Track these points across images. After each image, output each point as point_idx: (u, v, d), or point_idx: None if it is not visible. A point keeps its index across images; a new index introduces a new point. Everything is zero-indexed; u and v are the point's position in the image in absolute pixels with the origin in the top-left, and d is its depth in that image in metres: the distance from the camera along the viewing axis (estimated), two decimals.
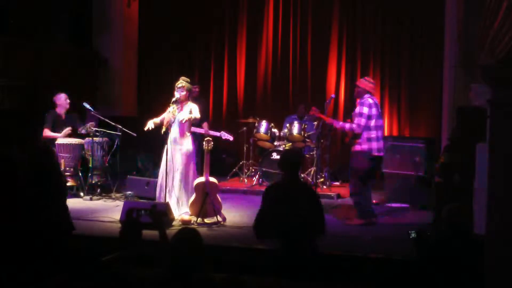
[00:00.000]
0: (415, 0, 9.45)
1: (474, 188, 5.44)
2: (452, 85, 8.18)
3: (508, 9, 4.27)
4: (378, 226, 6.16)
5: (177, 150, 6.32)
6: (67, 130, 7.60)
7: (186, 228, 4.36)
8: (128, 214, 4.00)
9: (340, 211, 6.99)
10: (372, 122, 6.12)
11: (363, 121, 6.10)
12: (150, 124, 6.41)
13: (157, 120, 6.48)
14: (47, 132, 7.59)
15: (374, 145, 6.14)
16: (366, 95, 6.20)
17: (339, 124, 6.44)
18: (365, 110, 6.10)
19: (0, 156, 4.18)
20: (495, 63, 4.01)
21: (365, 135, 6.12)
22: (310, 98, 9.99)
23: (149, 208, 4.29)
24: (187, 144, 6.39)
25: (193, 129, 6.83)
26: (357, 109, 6.19)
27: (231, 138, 7.10)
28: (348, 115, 9.15)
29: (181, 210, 6.30)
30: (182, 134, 6.35)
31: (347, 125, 6.23)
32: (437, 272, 3.64)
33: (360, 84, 6.35)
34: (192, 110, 6.36)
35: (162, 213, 5.37)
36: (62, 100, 7.71)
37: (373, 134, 6.13)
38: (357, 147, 6.17)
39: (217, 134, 7.81)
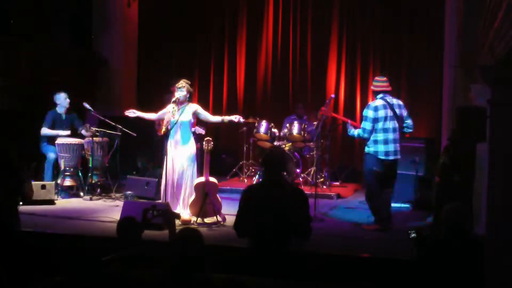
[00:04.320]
0: (415, 0, 9.46)
1: (474, 188, 5.44)
2: (452, 85, 8.17)
3: (508, 9, 4.27)
4: None
5: (180, 151, 6.28)
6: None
7: (188, 228, 4.35)
8: (144, 214, 3.99)
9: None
10: (379, 125, 5.91)
11: (368, 125, 5.92)
12: (133, 113, 6.42)
13: (150, 116, 6.49)
14: (45, 130, 7.60)
15: (381, 148, 5.91)
16: (379, 96, 6.01)
17: (350, 130, 6.16)
18: (369, 113, 5.93)
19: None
20: (495, 63, 4.01)
21: (371, 137, 5.94)
22: (310, 98, 10.00)
23: (163, 208, 4.29)
24: (191, 145, 6.35)
25: (193, 129, 6.83)
26: (363, 112, 6.06)
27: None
28: (348, 115, 9.18)
29: (186, 211, 6.28)
30: (184, 136, 6.32)
31: (356, 133, 6.06)
32: (437, 272, 3.63)
33: (371, 85, 6.21)
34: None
35: (174, 214, 5.38)
36: (61, 100, 7.72)
37: (380, 136, 5.91)
38: (366, 149, 6.04)
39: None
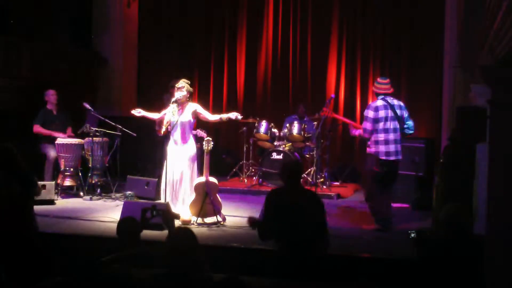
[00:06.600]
0: (415, 0, 9.46)
1: (474, 188, 5.44)
2: (452, 85, 8.18)
3: (508, 9, 4.26)
4: None
5: (180, 152, 6.27)
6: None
7: (179, 228, 4.36)
8: (143, 213, 4.02)
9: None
10: (380, 125, 5.93)
11: (368, 125, 5.94)
12: (139, 113, 6.42)
13: (154, 115, 6.49)
14: (38, 128, 7.63)
15: (382, 148, 5.92)
16: (380, 97, 6.04)
17: (352, 131, 6.24)
18: (370, 113, 5.95)
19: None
20: (495, 63, 4.01)
21: (373, 137, 5.96)
22: (310, 98, 10.00)
23: (163, 208, 4.31)
24: (191, 146, 6.35)
25: (195, 132, 6.83)
26: (364, 112, 6.10)
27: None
28: (348, 115, 9.18)
29: (186, 211, 6.27)
30: (184, 136, 6.32)
31: (357, 132, 6.12)
32: (437, 272, 3.63)
33: (373, 87, 6.24)
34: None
35: (174, 214, 5.39)
36: (49, 96, 7.80)
37: (381, 137, 5.93)
38: (367, 150, 6.05)
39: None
